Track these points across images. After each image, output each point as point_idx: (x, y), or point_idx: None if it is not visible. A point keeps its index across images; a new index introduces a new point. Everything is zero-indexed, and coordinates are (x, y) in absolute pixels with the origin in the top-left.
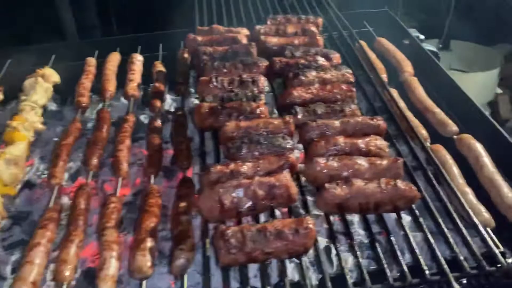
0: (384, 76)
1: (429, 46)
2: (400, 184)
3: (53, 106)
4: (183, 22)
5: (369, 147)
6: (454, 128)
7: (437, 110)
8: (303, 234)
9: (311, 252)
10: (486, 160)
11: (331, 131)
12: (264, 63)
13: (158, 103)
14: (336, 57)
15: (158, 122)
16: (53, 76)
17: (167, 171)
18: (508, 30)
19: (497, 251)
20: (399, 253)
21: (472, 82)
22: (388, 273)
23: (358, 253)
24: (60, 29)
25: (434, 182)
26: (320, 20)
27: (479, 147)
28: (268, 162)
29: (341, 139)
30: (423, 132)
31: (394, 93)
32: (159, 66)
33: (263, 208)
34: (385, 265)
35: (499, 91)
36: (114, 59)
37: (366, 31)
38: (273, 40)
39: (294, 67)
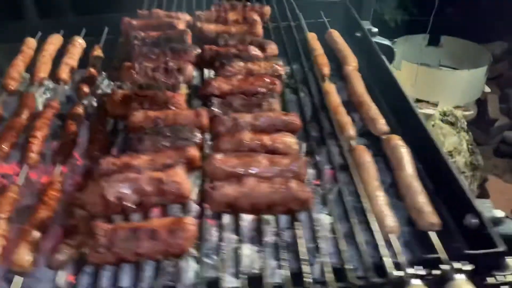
0: (326, 69)
1: (384, 41)
2: (293, 184)
3: None
4: (133, 5)
5: (276, 143)
6: (383, 127)
7: (370, 106)
8: (179, 235)
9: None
10: (406, 163)
11: (242, 125)
12: (195, 50)
13: (85, 88)
14: (272, 48)
15: (79, 109)
16: None
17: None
18: (503, 27)
19: (387, 260)
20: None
21: (459, 80)
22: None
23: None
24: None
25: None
26: (266, 9)
27: (403, 150)
28: (165, 156)
29: (247, 135)
30: (349, 131)
31: (331, 88)
32: (97, 51)
33: (152, 204)
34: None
35: (487, 89)
36: (55, 41)
37: (321, 22)
38: (210, 27)
39: (223, 56)
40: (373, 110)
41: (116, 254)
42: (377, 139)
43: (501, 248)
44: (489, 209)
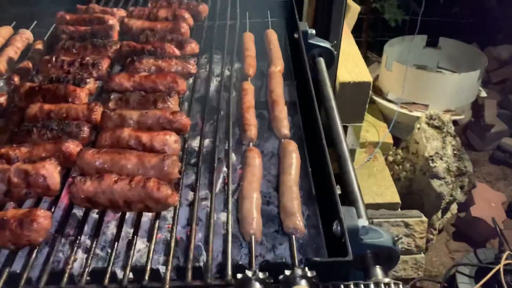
0: (251, 70)
1: (324, 43)
2: (150, 183)
3: None
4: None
5: (154, 142)
6: (284, 131)
7: (278, 108)
8: (27, 226)
9: None
10: (289, 167)
11: (128, 122)
12: (114, 46)
13: (15, 78)
14: (192, 46)
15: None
16: None
17: None
18: (510, 30)
19: (228, 263)
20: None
21: (450, 83)
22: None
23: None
24: None
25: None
26: (202, 7)
27: (294, 156)
28: (43, 149)
29: (126, 132)
30: (250, 132)
31: (247, 85)
32: (39, 44)
33: (21, 195)
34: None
35: (483, 94)
36: (3, 33)
37: (266, 22)
38: (137, 23)
39: (138, 53)
40: (279, 112)
41: None
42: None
43: (348, 258)
44: (353, 217)
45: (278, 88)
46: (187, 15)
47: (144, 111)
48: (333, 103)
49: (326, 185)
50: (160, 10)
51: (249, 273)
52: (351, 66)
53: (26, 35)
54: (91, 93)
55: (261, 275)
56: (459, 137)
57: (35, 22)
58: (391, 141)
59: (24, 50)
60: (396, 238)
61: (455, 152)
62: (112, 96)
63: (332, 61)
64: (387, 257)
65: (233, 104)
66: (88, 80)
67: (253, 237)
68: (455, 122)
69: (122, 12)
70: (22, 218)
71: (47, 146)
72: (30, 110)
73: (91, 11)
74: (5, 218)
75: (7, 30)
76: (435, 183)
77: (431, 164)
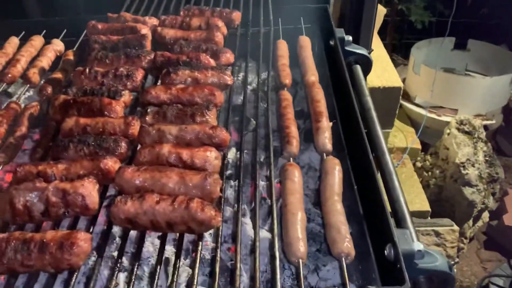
0: (287, 80)
1: (360, 49)
2: (193, 204)
3: None
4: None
5: (194, 158)
6: (327, 146)
7: (323, 122)
8: (67, 250)
9: None
10: (333, 186)
11: (167, 137)
12: (148, 56)
13: (48, 89)
14: (227, 56)
15: (32, 110)
16: None
17: None
18: None
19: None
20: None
21: (480, 87)
22: None
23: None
24: None
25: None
26: (236, 14)
27: (337, 175)
28: (80, 166)
29: (165, 148)
30: (292, 145)
31: (286, 95)
32: (69, 55)
33: (59, 215)
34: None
35: None
36: (34, 43)
37: (300, 28)
38: (169, 33)
39: (173, 63)
40: (323, 125)
41: (6, 264)
42: None
43: (406, 286)
44: (408, 241)
45: (322, 99)
46: (220, 24)
47: (183, 126)
48: (373, 113)
49: (376, 204)
50: (193, 19)
51: None
52: (380, 70)
53: (58, 45)
54: (126, 106)
55: None
56: (489, 142)
57: (65, 30)
58: (419, 146)
59: (55, 60)
60: (453, 263)
61: (486, 158)
62: (149, 110)
63: (369, 69)
64: (442, 281)
65: (270, 115)
66: (123, 92)
67: (300, 261)
68: (485, 127)
69: (154, 21)
70: (62, 241)
71: (84, 163)
72: (66, 124)
73: (122, 20)
74: (44, 240)
75: (38, 40)
76: (467, 190)
77: (462, 171)
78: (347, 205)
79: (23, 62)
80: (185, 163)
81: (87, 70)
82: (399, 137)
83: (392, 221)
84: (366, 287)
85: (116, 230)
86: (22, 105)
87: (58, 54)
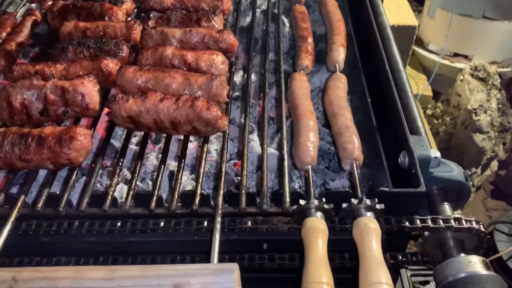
0: None
1: None
2: (199, 102)
3: None
4: None
5: (199, 61)
6: (339, 60)
7: (334, 39)
8: (66, 144)
9: None
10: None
11: (170, 41)
12: None
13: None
14: None
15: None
16: None
17: None
18: None
19: (286, 189)
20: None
21: (497, 32)
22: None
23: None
24: None
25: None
26: None
27: (338, 95)
28: (80, 66)
29: (169, 50)
30: (301, 59)
31: (301, 8)
32: None
33: (57, 114)
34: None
35: None
36: None
37: None
38: None
39: None
40: (335, 39)
41: (4, 159)
42: None
43: (421, 189)
44: (424, 147)
45: (341, 19)
46: None
47: (187, 29)
48: (390, 32)
49: (390, 113)
50: None
51: (308, 201)
52: (395, 9)
53: None
54: (128, 14)
55: (321, 203)
56: (503, 90)
57: None
58: (430, 94)
59: None
60: (470, 173)
61: (499, 106)
62: (151, 15)
63: None
64: (457, 193)
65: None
66: None
67: (309, 167)
68: (499, 75)
69: None
70: (61, 135)
71: (84, 63)
72: (64, 28)
73: None
74: (42, 135)
75: None
76: (478, 137)
77: (474, 117)
78: (359, 121)
79: None
80: (189, 66)
81: None
82: (410, 84)
83: (406, 127)
84: (379, 188)
85: (116, 144)
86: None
87: None
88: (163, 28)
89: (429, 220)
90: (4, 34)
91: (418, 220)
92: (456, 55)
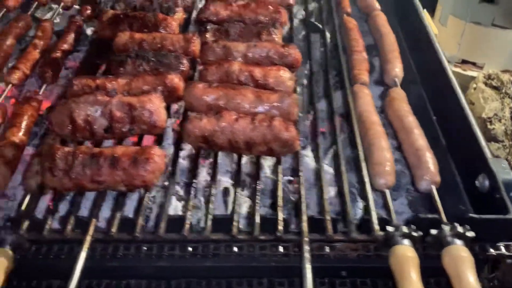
0: (347, 7)
1: None
2: (277, 122)
3: None
4: None
5: (267, 78)
6: (394, 76)
7: (390, 54)
8: (142, 165)
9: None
10: (409, 115)
11: (234, 55)
12: None
13: (87, 10)
14: None
15: (76, 23)
16: None
17: None
18: None
19: (374, 215)
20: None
21: (509, 40)
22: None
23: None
24: None
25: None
26: None
27: (405, 109)
28: (143, 81)
29: (236, 65)
30: (359, 73)
31: (351, 25)
32: None
33: (123, 131)
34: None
35: None
36: None
37: None
38: None
39: None
40: (392, 55)
41: (74, 180)
42: None
43: (510, 215)
44: (506, 170)
45: (391, 32)
46: None
47: (251, 43)
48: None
49: (462, 132)
50: None
51: (394, 228)
52: None
53: None
54: (179, 24)
55: (408, 230)
56: None
57: None
58: None
59: None
60: None
61: None
62: (208, 27)
63: (433, 4)
64: None
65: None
66: (177, 9)
67: (387, 190)
68: None
69: None
70: (136, 156)
71: (147, 78)
72: (119, 39)
73: None
74: (115, 155)
75: None
76: (492, 146)
77: (489, 126)
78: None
79: None
80: (257, 82)
81: None
82: None
83: (486, 149)
84: (468, 215)
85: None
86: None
87: None
88: (225, 42)
89: None
90: (46, 41)
91: (502, 246)
92: (464, 62)
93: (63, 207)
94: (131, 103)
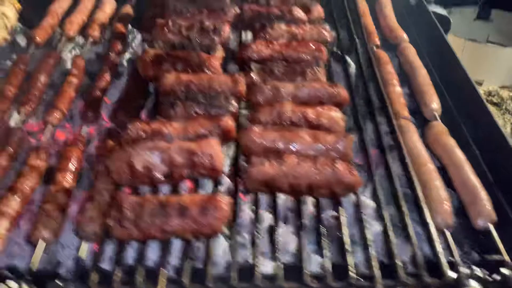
0: (376, 39)
1: (438, 9)
2: (340, 166)
3: (21, 40)
4: None
5: (321, 118)
6: (436, 108)
7: (426, 88)
8: (211, 213)
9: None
10: (457, 152)
11: (283, 95)
12: (233, 10)
13: (118, 45)
14: (318, 10)
15: (108, 65)
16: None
17: None
18: None
19: (442, 258)
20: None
21: (507, 57)
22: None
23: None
24: None
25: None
26: None
27: (452, 143)
28: (198, 124)
29: (288, 106)
30: (400, 107)
31: (384, 57)
32: (127, 8)
33: (182, 176)
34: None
35: None
36: None
37: None
38: None
39: (264, 17)
40: (428, 90)
41: (143, 230)
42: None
43: None
44: None
45: (417, 60)
46: None
47: (300, 83)
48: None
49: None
50: None
51: (467, 271)
52: None
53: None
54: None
55: (482, 274)
56: None
57: None
58: None
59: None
60: None
61: None
62: (253, 66)
63: (447, 31)
64: None
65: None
66: (217, 47)
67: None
68: None
69: None
70: (205, 204)
71: (202, 121)
72: (166, 80)
73: None
74: (183, 204)
75: None
76: None
77: None
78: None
79: (81, 17)
80: (310, 123)
81: (170, 22)
82: None
83: None
84: None
85: None
86: None
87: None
88: (274, 82)
89: None
90: (80, 78)
91: None
92: None
93: (123, 254)
94: (191, 148)
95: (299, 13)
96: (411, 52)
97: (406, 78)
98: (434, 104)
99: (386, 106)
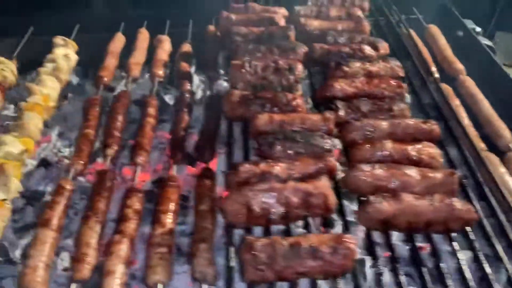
0: (434, 71)
1: (485, 40)
2: (457, 203)
3: (74, 80)
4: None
5: (421, 155)
6: (509, 141)
7: (494, 119)
8: (342, 254)
9: None
10: None
11: (378, 133)
12: (303, 49)
13: (187, 85)
14: (384, 46)
15: (185, 105)
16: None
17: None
18: None
19: None
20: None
21: None
22: None
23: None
24: None
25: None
26: (366, 4)
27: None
28: (304, 164)
29: (389, 144)
30: (475, 140)
31: (449, 91)
32: (186, 46)
33: (296, 217)
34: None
35: None
36: (143, 37)
37: (414, 19)
38: (314, 24)
39: (336, 55)
40: (496, 120)
41: (277, 272)
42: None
43: None
44: None
45: (479, 93)
46: (361, 14)
47: (396, 121)
48: None
49: None
50: (331, 9)
51: None
52: None
53: (165, 38)
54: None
55: None
56: None
57: (168, 21)
58: None
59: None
60: None
61: None
62: (339, 104)
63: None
64: None
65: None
66: (298, 86)
67: None
68: None
69: (283, 11)
70: (335, 245)
71: (307, 160)
72: (259, 121)
73: (251, 10)
74: (313, 245)
75: (145, 35)
76: None
77: None
78: None
79: (139, 57)
80: (411, 160)
81: (247, 64)
82: None
83: None
84: None
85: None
86: None
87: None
88: (368, 120)
89: None
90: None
91: None
92: None
93: None
94: (306, 188)
95: (368, 50)
96: (471, 84)
97: (467, 110)
98: (507, 136)
99: (471, 141)
